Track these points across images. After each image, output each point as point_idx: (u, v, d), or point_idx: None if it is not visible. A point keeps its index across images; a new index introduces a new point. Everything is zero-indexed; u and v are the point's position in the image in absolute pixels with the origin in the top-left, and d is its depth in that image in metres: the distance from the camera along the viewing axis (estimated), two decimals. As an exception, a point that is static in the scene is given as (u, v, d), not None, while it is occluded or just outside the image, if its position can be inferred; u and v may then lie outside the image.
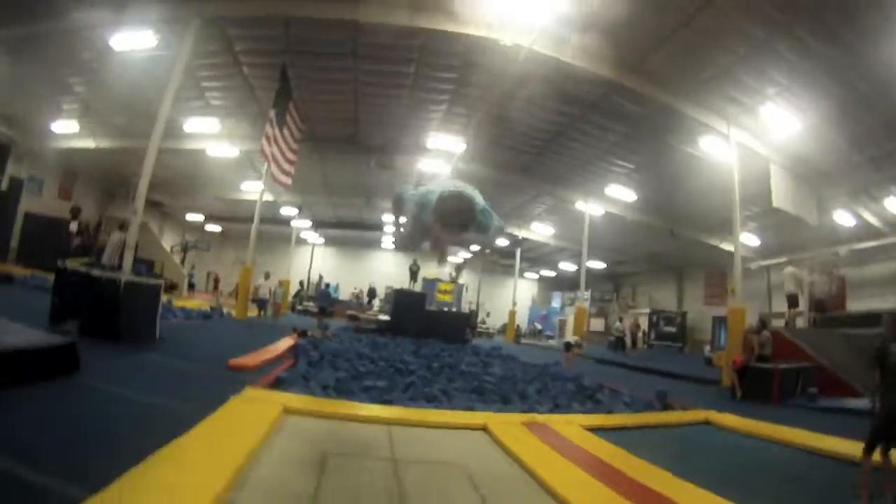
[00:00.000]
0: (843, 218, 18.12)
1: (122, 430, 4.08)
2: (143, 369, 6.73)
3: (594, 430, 5.70)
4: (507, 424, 5.27)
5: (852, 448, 5.23)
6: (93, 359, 5.98)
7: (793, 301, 14.80)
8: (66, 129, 19.75)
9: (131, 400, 5.07)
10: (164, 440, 3.49)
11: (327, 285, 27.46)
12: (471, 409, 6.26)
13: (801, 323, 15.02)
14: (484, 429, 5.09)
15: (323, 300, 19.33)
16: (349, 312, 24.53)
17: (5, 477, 2.90)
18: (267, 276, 18.93)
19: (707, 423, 7.16)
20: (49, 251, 13.97)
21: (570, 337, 17.55)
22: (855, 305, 17.08)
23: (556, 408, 7.06)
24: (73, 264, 9.14)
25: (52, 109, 18.58)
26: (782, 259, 23.26)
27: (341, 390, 6.32)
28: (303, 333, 12.45)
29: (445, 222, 3.84)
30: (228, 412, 4.64)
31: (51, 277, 9.95)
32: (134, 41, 12.56)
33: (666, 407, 8.27)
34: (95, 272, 8.76)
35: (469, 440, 4.87)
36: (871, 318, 12.36)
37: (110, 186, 27.11)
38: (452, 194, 3.77)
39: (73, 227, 20.35)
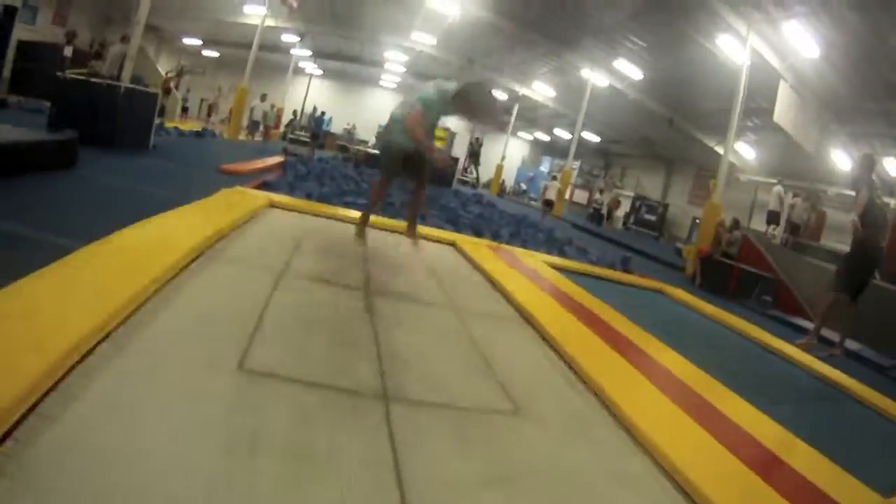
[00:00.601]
0: (840, 159, 18.16)
1: (115, 207, 4.48)
2: (137, 168, 7.15)
3: (555, 267, 6.10)
4: (475, 244, 5.65)
5: (782, 346, 5.64)
6: (90, 159, 6.30)
7: (773, 218, 15.12)
8: None
9: (125, 187, 5.47)
10: (157, 214, 3.78)
11: (322, 113, 27.09)
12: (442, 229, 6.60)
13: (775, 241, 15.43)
14: (453, 244, 5.47)
15: (316, 127, 19.72)
16: (339, 143, 24.54)
17: (8, 234, 3.24)
18: (263, 98, 18.56)
19: (660, 291, 7.54)
20: (42, 76, 13.63)
21: (549, 194, 18.10)
22: (830, 245, 17.37)
23: (524, 248, 7.41)
24: (72, 74, 9.15)
25: None
26: (772, 180, 23.44)
27: (324, 201, 6.59)
28: (292, 154, 12.76)
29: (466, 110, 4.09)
30: (218, 199, 4.93)
31: (46, 103, 9.93)
32: None
33: (627, 271, 8.70)
34: (95, 80, 8.91)
35: (438, 249, 5.27)
36: (839, 258, 12.70)
37: (107, 9, 25.94)
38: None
39: (69, 51, 19.67)
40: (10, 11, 18.28)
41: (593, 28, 18.02)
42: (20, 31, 19.42)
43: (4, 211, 3.63)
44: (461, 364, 2.69)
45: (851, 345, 7.75)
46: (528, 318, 3.54)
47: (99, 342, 1.90)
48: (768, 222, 15.25)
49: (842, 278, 5.76)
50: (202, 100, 34.94)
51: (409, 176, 4.54)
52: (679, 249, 18.00)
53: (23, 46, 19.05)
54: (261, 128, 20.00)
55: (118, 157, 7.57)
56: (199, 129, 17.50)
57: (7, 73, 18.13)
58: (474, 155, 27.13)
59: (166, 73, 27.29)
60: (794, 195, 15.23)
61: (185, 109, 28.67)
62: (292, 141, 21.27)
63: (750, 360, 5.11)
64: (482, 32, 21.36)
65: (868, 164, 6.30)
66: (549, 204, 17.15)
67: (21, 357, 1.60)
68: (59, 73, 8.99)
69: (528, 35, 20.32)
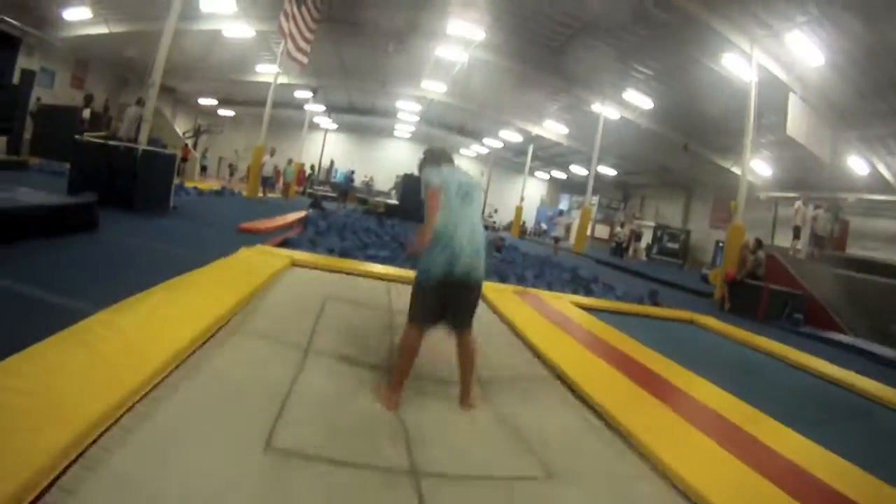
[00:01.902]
0: (857, 165, 17.99)
1: (137, 269, 4.48)
2: (157, 229, 7.16)
3: (583, 307, 6.02)
4: (501, 291, 5.59)
5: (818, 364, 5.63)
6: (110, 221, 6.40)
7: (796, 233, 14.94)
8: (77, 16, 19.36)
9: (147, 248, 5.50)
10: (178, 275, 3.81)
11: (352, 172, 28.04)
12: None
13: (800, 256, 15.23)
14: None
15: (346, 184, 21.12)
16: (359, 196, 24.88)
17: (30, 298, 3.26)
18: (272, 153, 18.27)
19: (692, 322, 7.43)
20: (63, 140, 14.04)
21: (557, 231, 18.44)
22: (856, 252, 17.05)
23: (550, 290, 7.34)
24: (90, 137, 9.31)
25: None
26: (791, 194, 23.19)
27: (346, 255, 6.61)
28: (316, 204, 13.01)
29: None
30: (239, 258, 4.95)
31: (66, 164, 10.14)
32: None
33: (655, 304, 8.59)
34: (113, 143, 9.00)
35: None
36: (866, 265, 12.55)
37: (123, 72, 26.70)
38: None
39: (86, 114, 20.23)
40: (29, 75, 19.04)
41: (600, 62, 18.12)
42: (40, 93, 20.09)
43: (26, 275, 3.67)
44: (489, 433, 2.62)
45: (886, 352, 7.74)
46: (559, 375, 3.44)
47: (120, 417, 1.88)
48: (794, 237, 15.03)
49: None
50: (220, 158, 35.66)
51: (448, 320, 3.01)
52: (705, 275, 17.77)
53: (42, 109, 19.60)
54: (278, 184, 20.19)
55: (138, 218, 7.68)
56: (219, 189, 17.83)
57: (28, 135, 18.62)
58: None
59: (184, 134, 28.00)
60: (816, 207, 15.00)
61: (203, 168, 29.21)
62: (311, 195, 21.54)
63: (787, 383, 5.02)
64: (491, 76, 21.65)
65: None
66: (556, 240, 17.42)
67: (41, 429, 1.59)
68: (76, 137, 9.17)
69: (536, 75, 20.49)
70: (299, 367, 2.89)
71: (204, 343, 2.77)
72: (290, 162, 22.40)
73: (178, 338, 2.56)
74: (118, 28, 20.01)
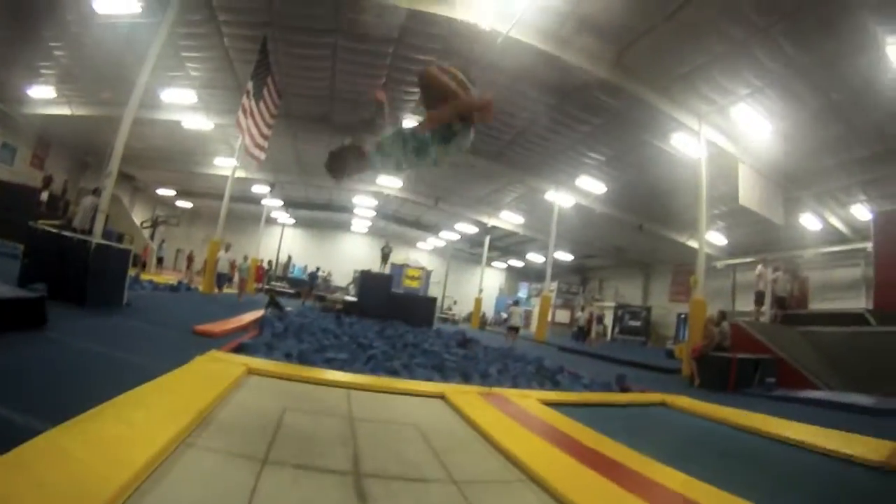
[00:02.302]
0: (810, 221, 18.74)
1: (86, 377, 4.15)
2: (109, 329, 6.79)
3: (551, 404, 5.84)
4: (465, 394, 5.38)
5: (795, 431, 5.58)
6: (60, 318, 6.03)
7: (759, 299, 15.20)
8: (42, 94, 19.53)
9: (97, 352, 5.14)
10: (128, 388, 3.53)
11: (317, 269, 28.45)
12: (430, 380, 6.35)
13: (764, 320, 15.48)
14: (442, 397, 5.20)
15: (311, 280, 22.08)
16: (317, 293, 24.57)
17: None
18: (227, 248, 17.80)
19: (663, 404, 7.29)
20: (18, 220, 13.73)
21: (514, 321, 18.02)
22: (819, 307, 17.47)
23: (516, 386, 7.15)
24: (44, 225, 9.06)
25: (31, 73, 18.29)
26: (748, 259, 23.86)
27: (304, 360, 6.37)
28: (272, 302, 12.78)
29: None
30: (193, 368, 4.70)
31: (20, 246, 9.83)
32: (118, 5, 12.66)
33: (624, 390, 8.45)
34: (66, 233, 8.76)
35: (426, 406, 4.97)
36: (828, 317, 12.87)
37: (84, 156, 26.84)
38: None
39: (44, 196, 20.10)
40: None
41: (552, 151, 18.76)
42: None
43: None
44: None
45: (863, 400, 7.77)
46: (532, 477, 3.29)
47: None
48: (756, 303, 15.26)
49: None
50: (178, 250, 35.32)
51: None
52: (671, 351, 17.85)
53: (1, 187, 19.23)
54: (233, 280, 19.85)
55: (90, 315, 7.30)
56: (175, 283, 17.46)
57: None
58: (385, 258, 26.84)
59: (141, 224, 27.70)
60: (774, 270, 15.36)
61: (160, 260, 28.81)
62: (268, 292, 21.20)
63: (768, 460, 4.88)
64: (446, 171, 22.20)
65: None
66: (514, 329, 17.23)
67: None
68: (31, 224, 8.93)
69: (491, 167, 21.03)
70: (257, 480, 2.65)
71: (159, 465, 2.54)
72: (245, 258, 22.10)
73: (130, 462, 2.35)
74: (81, 111, 20.19)
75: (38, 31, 15.19)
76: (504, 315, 35.23)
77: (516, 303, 22.23)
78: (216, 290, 17.17)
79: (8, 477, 1.98)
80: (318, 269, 28.80)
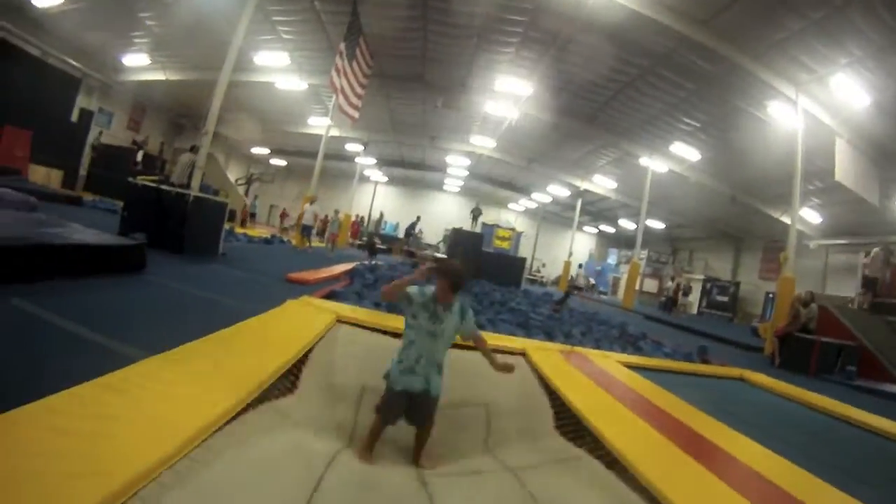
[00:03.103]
0: None
1: (182, 315, 4.55)
2: (205, 275, 7.26)
3: (631, 367, 5.91)
4: (546, 351, 5.50)
5: (873, 420, 5.48)
6: (158, 264, 6.55)
7: (868, 284, 14.51)
8: (136, 62, 20.70)
9: (193, 294, 5.58)
10: (221, 327, 3.81)
11: (417, 218, 28.70)
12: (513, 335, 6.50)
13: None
14: (523, 354, 5.34)
15: (409, 231, 23.31)
16: (406, 248, 25.07)
17: (75, 336, 3.35)
18: (312, 201, 17.93)
19: (742, 379, 7.20)
20: (116, 179, 14.68)
21: (578, 282, 18.53)
22: None
23: (598, 348, 7.22)
24: (143, 180, 9.59)
25: (124, 43, 19.37)
26: (842, 241, 22.56)
27: (391, 309, 6.63)
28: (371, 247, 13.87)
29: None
30: (285, 311, 5.00)
31: (118, 203, 10.45)
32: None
33: (705, 361, 8.39)
34: (165, 187, 9.27)
35: (508, 361, 5.14)
36: None
37: (178, 118, 28.16)
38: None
39: (139, 157, 21.37)
40: (87, 115, 20.16)
41: (647, 115, 18.29)
42: (97, 133, 21.53)
43: (73, 313, 3.73)
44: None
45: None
46: (603, 442, 3.36)
47: (158, 475, 1.88)
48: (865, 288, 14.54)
49: None
50: (271, 206, 36.67)
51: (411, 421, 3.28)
52: (755, 329, 17.32)
53: (98, 148, 20.84)
54: (320, 233, 19.93)
55: (187, 262, 7.80)
56: (268, 236, 18.27)
57: (83, 171, 19.74)
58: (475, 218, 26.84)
59: (236, 181, 28.87)
60: (866, 254, 14.58)
61: (252, 215, 30.10)
62: (370, 237, 21.73)
63: (841, 441, 4.87)
64: (540, 131, 22.02)
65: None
66: (577, 289, 17.43)
67: (80, 477, 1.65)
68: (130, 179, 9.40)
69: (584, 130, 20.74)
70: (332, 460, 2.82)
71: (244, 410, 2.73)
72: (337, 212, 22.19)
73: (218, 400, 2.55)
74: (175, 76, 21.25)
75: (127, 4, 16.11)
76: (592, 281, 34.96)
77: (580, 266, 22.96)
78: (307, 243, 17.61)
79: (109, 398, 2.24)
80: (418, 218, 28.71)
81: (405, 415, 3.14)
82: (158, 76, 21.34)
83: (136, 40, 18.97)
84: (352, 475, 2.68)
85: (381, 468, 2.95)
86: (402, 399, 3.10)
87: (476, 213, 26.37)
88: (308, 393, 3.59)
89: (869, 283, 14.22)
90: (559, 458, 3.40)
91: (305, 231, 17.45)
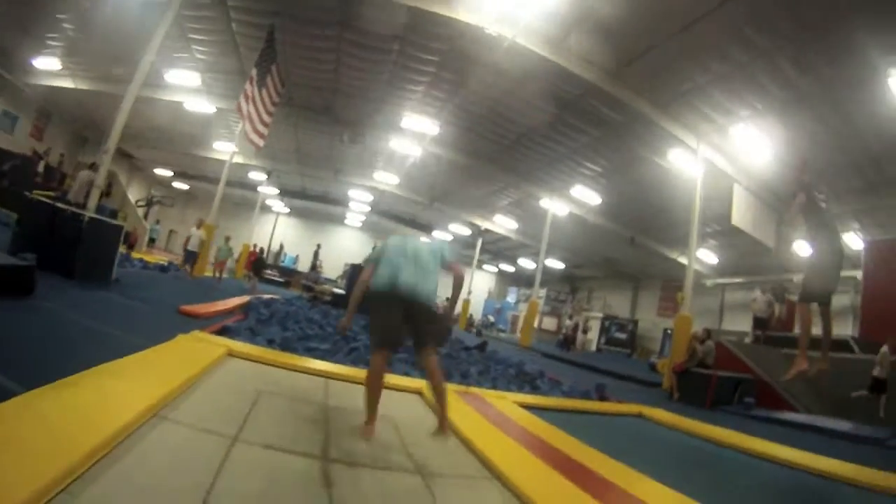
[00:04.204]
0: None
1: (67, 347, 4.21)
2: (95, 302, 6.84)
3: (527, 406, 5.92)
4: (443, 391, 5.43)
5: (758, 445, 5.73)
6: (48, 288, 6.11)
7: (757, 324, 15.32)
8: (47, 65, 19.50)
9: (80, 324, 5.20)
10: (108, 360, 3.59)
11: (318, 246, 28.89)
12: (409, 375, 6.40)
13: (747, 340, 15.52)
14: (419, 393, 5.26)
15: (314, 260, 23.64)
16: (304, 282, 24.46)
17: None
18: (199, 225, 16.65)
19: (640, 415, 7.39)
20: (15, 190, 13.57)
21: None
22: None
23: (495, 388, 7.20)
24: (39, 195, 9.06)
25: (37, 44, 18.17)
26: (738, 279, 23.95)
27: (286, 347, 6.42)
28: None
29: None
30: (174, 346, 4.76)
31: (13, 214, 9.77)
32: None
33: (603, 398, 8.54)
34: (60, 204, 8.75)
35: (404, 400, 5.03)
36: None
37: (83, 130, 26.75)
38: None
39: (41, 167, 20.07)
40: None
41: (550, 159, 18.82)
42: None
43: None
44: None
45: (841, 426, 8.03)
46: (496, 475, 3.33)
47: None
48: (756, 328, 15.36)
49: (810, 286, 5.68)
50: (171, 231, 35.22)
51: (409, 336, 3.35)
52: (653, 364, 17.96)
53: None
54: (197, 259, 18.21)
55: (77, 288, 7.38)
56: (165, 263, 17.44)
57: None
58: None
59: (136, 202, 27.52)
60: (763, 292, 15.46)
61: (152, 241, 28.66)
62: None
63: (741, 472, 5.02)
64: (444, 170, 22.27)
65: (802, 167, 6.45)
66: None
67: None
68: (26, 193, 8.99)
69: (488, 170, 21.09)
70: (225, 458, 2.70)
71: (131, 433, 2.60)
72: (227, 240, 19.06)
73: (102, 428, 2.40)
74: (84, 85, 20.17)
75: (48, 3, 15.18)
76: (491, 318, 35.36)
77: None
78: (187, 269, 16.36)
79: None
80: (318, 246, 28.58)
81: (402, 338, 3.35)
82: (67, 83, 20.15)
83: (50, 42, 17.78)
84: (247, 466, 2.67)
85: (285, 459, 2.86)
86: (397, 304, 3.22)
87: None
88: (197, 407, 3.42)
89: (759, 322, 15.01)
90: (466, 475, 3.38)
91: (190, 258, 16.33)
